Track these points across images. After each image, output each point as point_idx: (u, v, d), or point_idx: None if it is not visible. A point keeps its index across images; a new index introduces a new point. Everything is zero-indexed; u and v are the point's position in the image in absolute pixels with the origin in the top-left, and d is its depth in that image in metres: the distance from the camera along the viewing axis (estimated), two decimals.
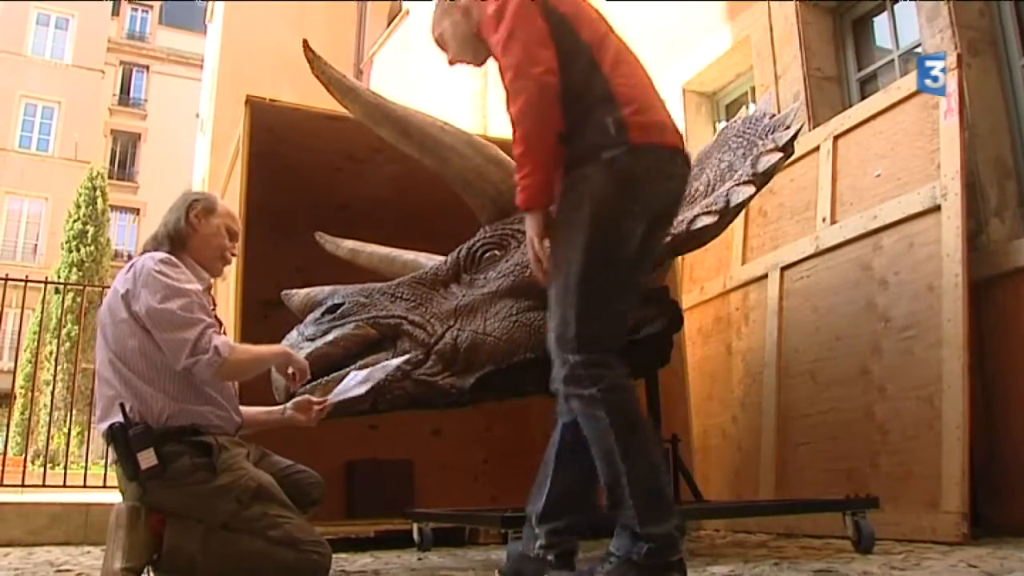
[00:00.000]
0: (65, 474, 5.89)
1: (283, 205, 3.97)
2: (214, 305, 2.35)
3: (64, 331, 14.61)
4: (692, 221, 2.64)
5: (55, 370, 10.33)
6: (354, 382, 2.45)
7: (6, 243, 24.96)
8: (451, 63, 2.30)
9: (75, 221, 21.13)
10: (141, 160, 29.72)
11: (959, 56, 3.20)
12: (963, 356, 2.89)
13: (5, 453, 6.53)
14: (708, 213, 2.65)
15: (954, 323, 2.94)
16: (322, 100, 3.08)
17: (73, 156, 25.46)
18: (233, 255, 2.48)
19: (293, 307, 2.92)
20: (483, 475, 4.63)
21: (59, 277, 18.28)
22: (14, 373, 8.31)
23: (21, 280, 6.04)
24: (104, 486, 5.53)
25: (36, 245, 25.28)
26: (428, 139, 2.73)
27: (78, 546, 3.82)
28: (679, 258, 4.11)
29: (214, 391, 2.26)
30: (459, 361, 2.63)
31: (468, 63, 2.27)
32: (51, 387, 13.51)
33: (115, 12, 29.75)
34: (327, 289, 2.87)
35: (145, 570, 2.12)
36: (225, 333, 2.33)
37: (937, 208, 3.09)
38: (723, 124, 4.91)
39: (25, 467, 6.84)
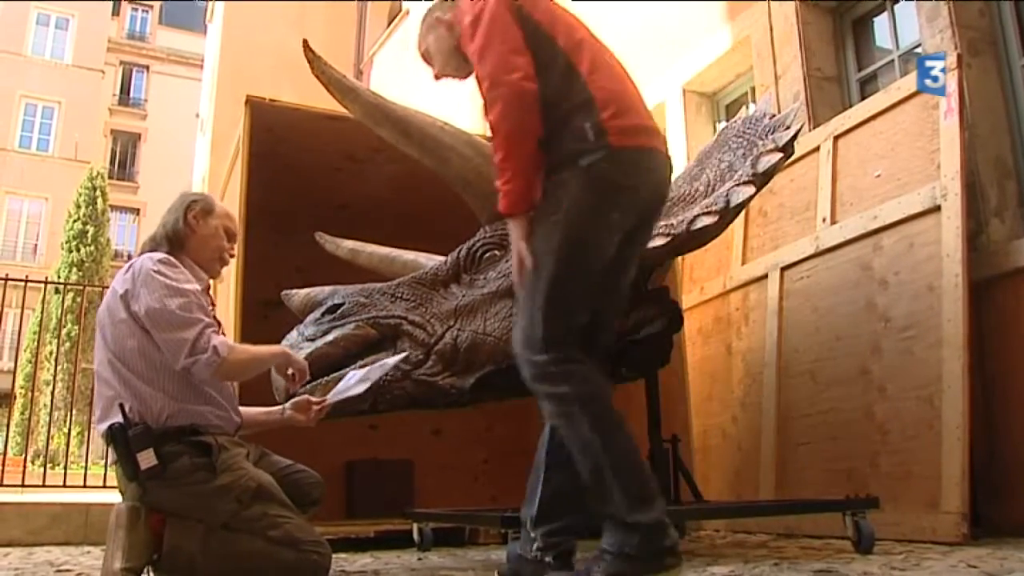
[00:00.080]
0: (65, 474, 5.88)
1: (283, 205, 3.97)
2: (213, 305, 2.35)
3: (64, 331, 14.64)
4: (692, 221, 2.64)
5: (55, 370, 10.33)
6: (353, 381, 2.45)
7: (6, 243, 24.97)
8: (437, 78, 2.31)
9: (75, 221, 21.15)
10: (141, 160, 29.73)
11: (959, 56, 3.20)
12: (963, 356, 2.89)
13: (5, 453, 6.53)
14: (708, 213, 2.65)
15: (954, 323, 2.94)
16: (322, 100, 3.07)
17: (73, 156, 25.48)
18: (231, 256, 2.48)
19: (293, 307, 2.92)
20: (483, 475, 4.63)
21: (59, 277, 18.31)
22: (14, 373, 8.29)
23: (21, 280, 6.04)
24: (104, 486, 5.53)
25: (36, 245, 25.29)
26: (428, 139, 2.73)
27: (78, 546, 3.82)
28: (679, 258, 4.11)
29: (213, 391, 2.26)
30: (459, 361, 2.64)
31: (453, 77, 2.27)
32: (51, 387, 13.51)
33: (115, 12, 29.76)
34: (327, 289, 2.87)
35: (145, 570, 2.12)
36: (224, 333, 2.33)
37: (937, 208, 3.09)
38: (723, 124, 4.90)
39: (25, 467, 6.84)
